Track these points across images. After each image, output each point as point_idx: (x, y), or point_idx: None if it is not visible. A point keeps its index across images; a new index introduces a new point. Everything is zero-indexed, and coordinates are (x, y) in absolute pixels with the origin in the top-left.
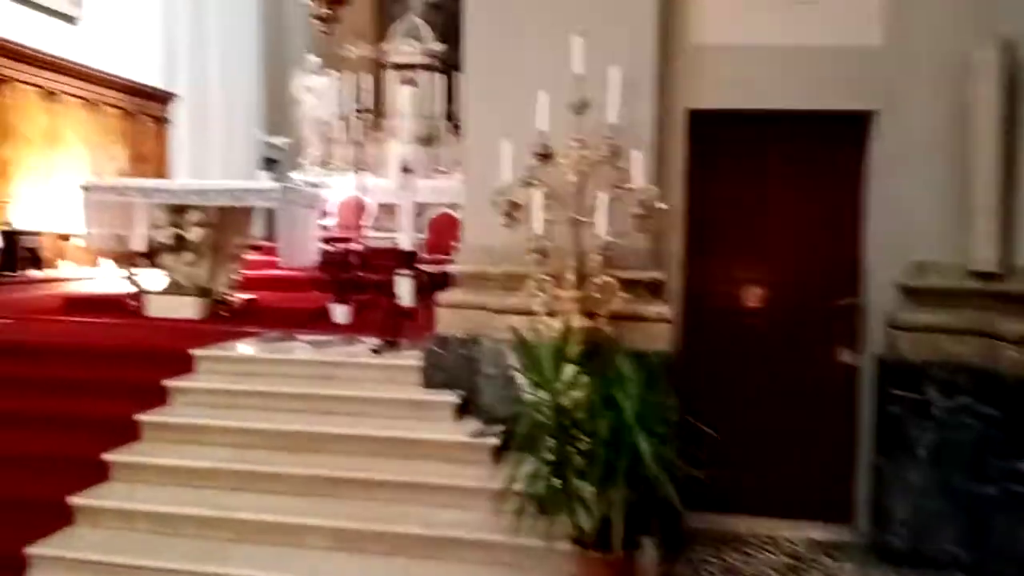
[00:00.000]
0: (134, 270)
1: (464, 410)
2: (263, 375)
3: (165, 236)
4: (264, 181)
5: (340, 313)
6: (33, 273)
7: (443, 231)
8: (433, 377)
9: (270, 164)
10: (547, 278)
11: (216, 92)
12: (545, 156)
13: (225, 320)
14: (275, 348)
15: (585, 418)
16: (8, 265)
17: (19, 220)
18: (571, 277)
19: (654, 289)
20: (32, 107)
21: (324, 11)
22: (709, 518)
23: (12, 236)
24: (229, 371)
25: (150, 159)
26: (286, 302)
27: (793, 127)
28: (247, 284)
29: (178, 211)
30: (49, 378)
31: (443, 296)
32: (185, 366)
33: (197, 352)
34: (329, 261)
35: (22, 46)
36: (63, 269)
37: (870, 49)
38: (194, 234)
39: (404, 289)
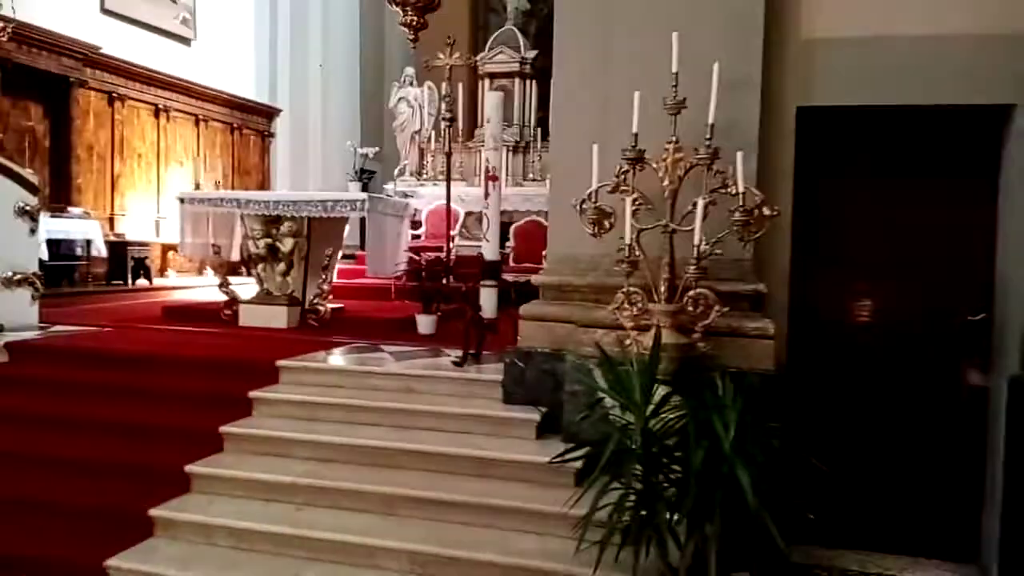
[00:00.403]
0: (230, 279)
1: (545, 429)
2: (345, 387)
3: (258, 246)
4: (353, 192)
5: (425, 323)
6: (140, 282)
7: (530, 240)
8: (514, 393)
9: (366, 175)
10: (637, 290)
11: (315, 106)
12: (637, 160)
13: (313, 330)
14: (359, 360)
15: (677, 445)
16: (117, 274)
17: (129, 231)
18: (664, 289)
19: (756, 303)
20: (144, 123)
21: (411, 18)
22: (816, 553)
23: (121, 247)
24: (313, 382)
25: (253, 172)
26: (374, 311)
27: (919, 124)
28: (338, 293)
29: (272, 222)
30: (138, 387)
31: (526, 308)
32: (271, 377)
33: (282, 363)
34: (415, 271)
35: (135, 65)
36: (170, 279)
37: (1009, 37)
38: (286, 244)
39: (487, 300)
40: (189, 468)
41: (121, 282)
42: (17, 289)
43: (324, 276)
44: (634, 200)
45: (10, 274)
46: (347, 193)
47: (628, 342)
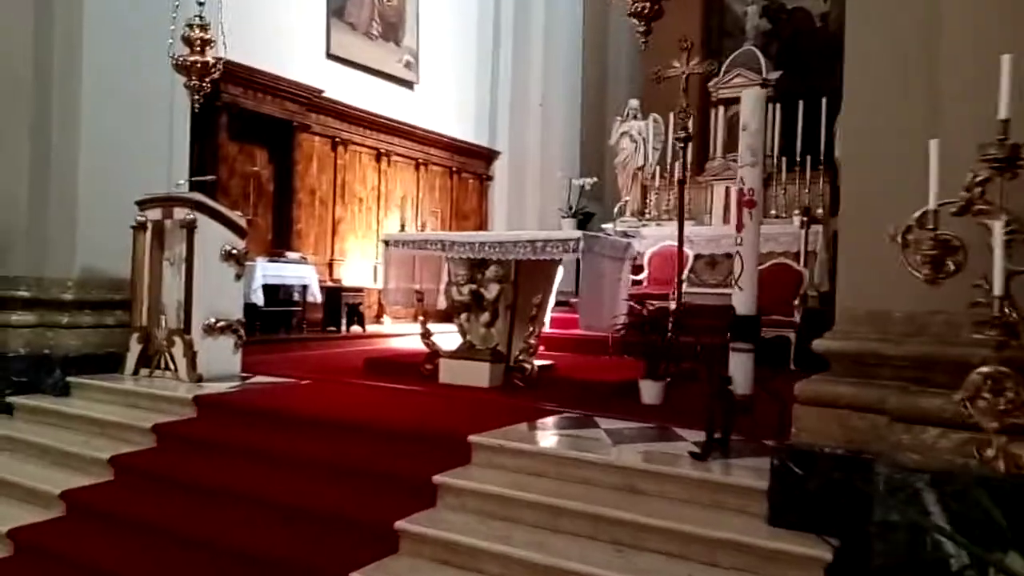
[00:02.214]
0: (432, 330)
1: (838, 572)
2: (549, 476)
3: (462, 293)
4: (567, 230)
5: (650, 391)
6: (354, 329)
7: (775, 287)
8: (786, 511)
9: (582, 214)
10: (1007, 371)
11: (534, 147)
12: (1009, 162)
13: (518, 391)
14: (568, 440)
15: None
16: (332, 321)
17: (347, 277)
18: None
19: None
20: (365, 167)
21: (642, 5)
22: None
23: (336, 293)
24: (509, 466)
25: (471, 215)
26: (588, 371)
27: None
28: (548, 344)
29: (477, 266)
30: (313, 458)
31: (807, 387)
32: (461, 456)
33: (475, 439)
34: (637, 324)
35: (358, 110)
36: (384, 326)
37: None
38: (491, 291)
39: (740, 368)
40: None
41: (334, 329)
42: (220, 337)
43: (532, 328)
44: (1007, 225)
45: (213, 321)
46: (559, 232)
47: (990, 452)
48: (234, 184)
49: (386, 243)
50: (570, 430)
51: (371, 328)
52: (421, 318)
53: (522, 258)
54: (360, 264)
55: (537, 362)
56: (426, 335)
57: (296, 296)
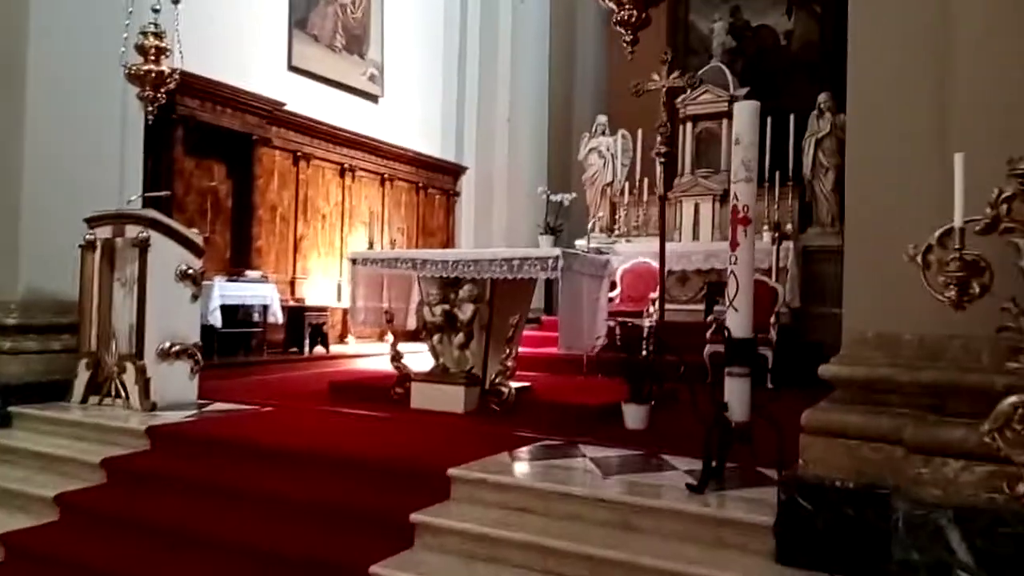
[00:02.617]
0: (402, 351)
1: None
2: (535, 512)
3: (435, 314)
4: (544, 248)
5: (634, 415)
6: (318, 350)
7: (757, 306)
8: (794, 548)
9: (553, 233)
10: None
11: (501, 162)
12: None
13: (494, 416)
14: (553, 471)
15: None
16: (295, 341)
17: (310, 295)
18: None
19: None
20: (328, 183)
21: (629, 13)
22: None
23: (299, 312)
24: (491, 502)
25: (438, 232)
26: (566, 392)
27: None
28: (521, 364)
29: (450, 285)
30: (279, 495)
31: (814, 415)
32: (440, 491)
33: (455, 472)
34: (620, 343)
35: (321, 123)
36: (349, 345)
37: None
38: (465, 311)
39: (736, 393)
40: None
41: (297, 350)
42: (175, 362)
43: (508, 350)
44: None
45: (167, 345)
46: (537, 250)
47: (1022, 488)
48: (191, 200)
49: (353, 261)
50: (554, 459)
51: (335, 349)
52: (390, 339)
53: (498, 277)
54: (323, 283)
55: (513, 384)
56: (396, 357)
57: (256, 316)
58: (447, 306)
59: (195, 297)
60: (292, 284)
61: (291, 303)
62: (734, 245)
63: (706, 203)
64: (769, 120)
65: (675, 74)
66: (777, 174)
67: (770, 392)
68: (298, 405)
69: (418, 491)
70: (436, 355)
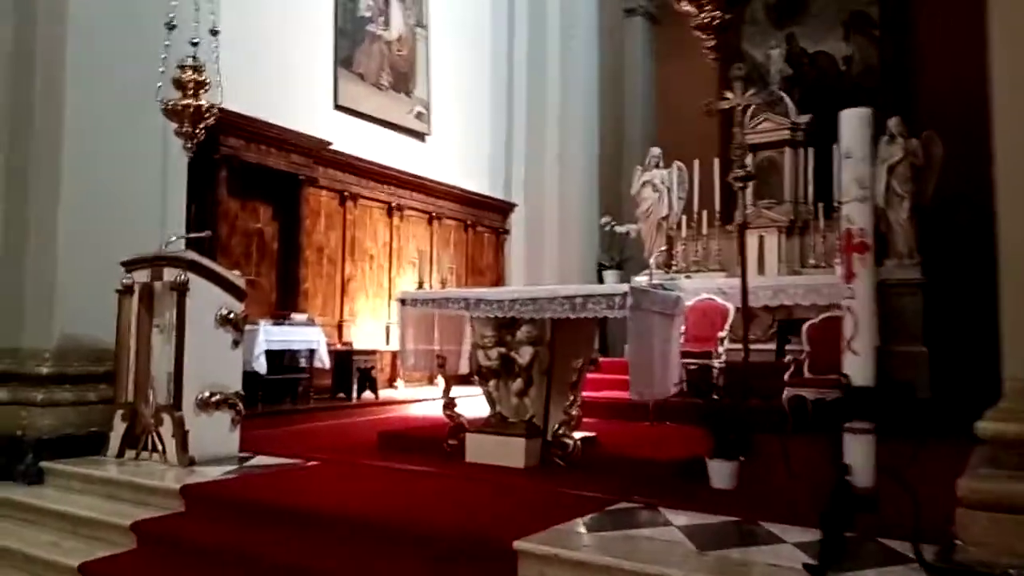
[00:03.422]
0: (455, 400)
1: None
2: None
3: (490, 357)
4: (610, 283)
5: (720, 473)
6: (366, 395)
7: (829, 344)
8: None
9: (619, 268)
10: None
11: (552, 199)
12: None
13: (559, 471)
14: (634, 540)
15: None
16: (342, 386)
17: (358, 339)
18: None
19: None
20: (376, 222)
21: (712, 16)
22: None
23: (347, 356)
24: None
25: (487, 271)
26: (634, 444)
27: None
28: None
29: (505, 326)
30: (315, 570)
31: (971, 484)
32: (504, 568)
33: (522, 546)
34: (700, 389)
35: (368, 162)
36: (398, 390)
37: None
38: (523, 355)
39: (859, 453)
40: None
41: (344, 396)
42: (215, 412)
43: (572, 397)
44: None
45: (207, 395)
46: (602, 286)
47: None
48: (235, 242)
49: (402, 302)
50: (636, 528)
51: (384, 394)
52: (442, 383)
53: (559, 316)
54: (372, 325)
55: (576, 434)
56: (449, 405)
57: (303, 362)
58: (503, 349)
59: (236, 343)
60: (340, 327)
61: (338, 347)
62: (849, 276)
63: (771, 235)
64: (836, 148)
65: (751, 91)
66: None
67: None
68: (344, 459)
69: (479, 567)
70: (492, 402)
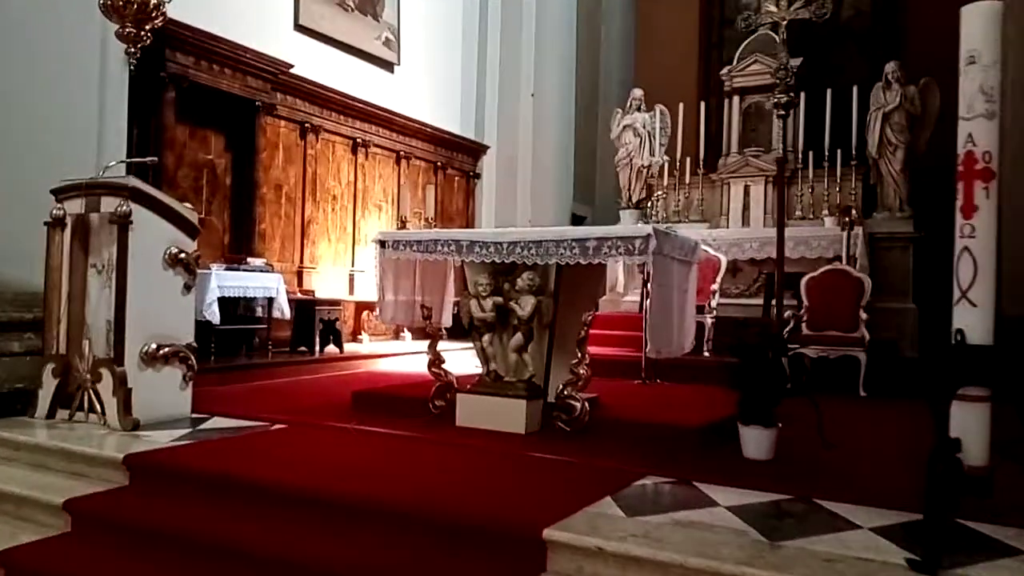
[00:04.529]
0: (442, 354)
1: None
2: None
3: (484, 308)
4: (627, 224)
5: (758, 443)
6: (330, 349)
7: (832, 297)
8: None
9: (638, 208)
10: None
11: (525, 142)
12: None
13: (565, 438)
14: (685, 527)
15: None
16: (303, 339)
17: (319, 287)
18: None
19: None
20: (340, 159)
21: None
22: None
23: (309, 307)
24: None
25: (456, 217)
26: (642, 405)
27: None
28: None
29: (503, 272)
30: (292, 560)
31: None
32: (530, 560)
33: (554, 535)
34: (733, 344)
35: (332, 91)
36: (363, 344)
37: None
38: (524, 305)
39: (972, 426)
40: None
41: (306, 349)
42: (163, 368)
43: (580, 354)
44: None
45: (154, 347)
46: (621, 227)
47: None
48: (183, 175)
49: (381, 244)
50: (683, 511)
51: (349, 348)
52: (407, 336)
53: (568, 262)
54: (334, 273)
55: (582, 397)
56: (435, 362)
57: (260, 311)
58: (500, 299)
59: (188, 288)
60: (299, 274)
61: (299, 296)
62: (969, 210)
63: (757, 185)
64: (829, 93)
65: (797, 4)
66: (839, 152)
67: (864, 400)
68: (316, 421)
69: (498, 561)
70: (486, 359)
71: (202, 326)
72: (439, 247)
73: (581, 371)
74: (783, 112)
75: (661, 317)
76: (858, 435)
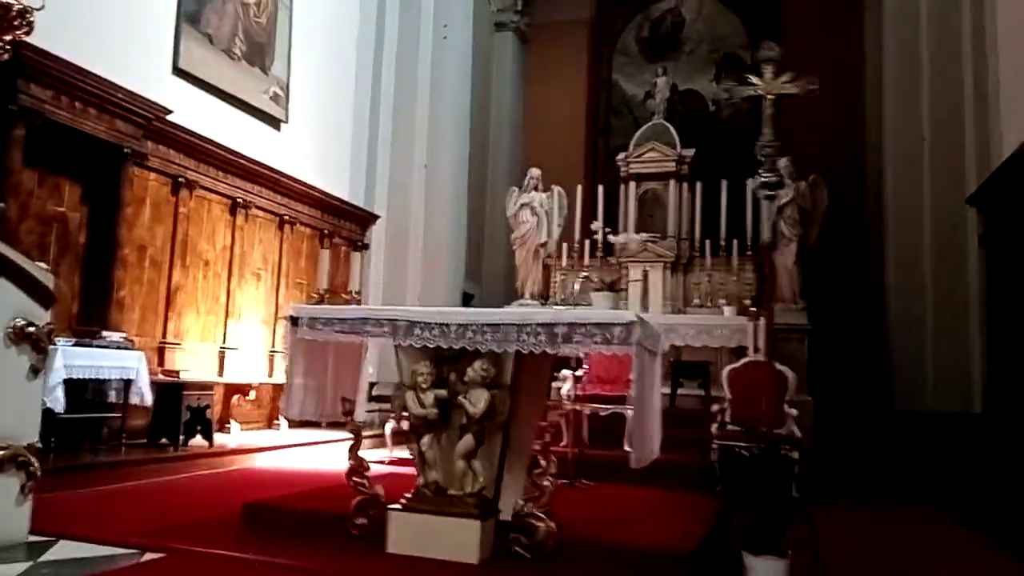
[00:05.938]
0: (364, 459)
1: None
2: None
3: (424, 403)
4: (602, 308)
5: (765, 572)
6: (196, 442)
7: (751, 389)
8: None
9: (612, 290)
10: None
11: (417, 213)
12: None
13: (526, 568)
14: None
15: None
16: (164, 429)
17: (183, 366)
18: None
19: None
20: (215, 220)
21: None
22: None
23: (174, 391)
24: None
25: (340, 291)
26: (599, 514)
27: None
28: None
29: (448, 361)
30: None
31: None
32: None
33: None
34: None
35: (211, 143)
36: (231, 434)
37: None
38: (476, 401)
39: None
40: None
41: (168, 441)
42: None
43: (544, 462)
44: None
45: None
46: (598, 312)
47: None
48: (27, 228)
49: (293, 321)
50: None
51: (217, 439)
52: (283, 425)
53: (534, 350)
54: (202, 349)
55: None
56: (357, 469)
57: (113, 396)
58: (444, 392)
59: (36, 371)
60: (160, 351)
61: (161, 378)
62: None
63: (655, 271)
64: (725, 184)
65: (784, 78)
66: (735, 243)
67: (805, 502)
68: (201, 547)
69: None
70: (424, 466)
71: (42, 415)
72: (368, 327)
73: (545, 483)
74: (769, 193)
75: (646, 422)
76: (849, 552)
